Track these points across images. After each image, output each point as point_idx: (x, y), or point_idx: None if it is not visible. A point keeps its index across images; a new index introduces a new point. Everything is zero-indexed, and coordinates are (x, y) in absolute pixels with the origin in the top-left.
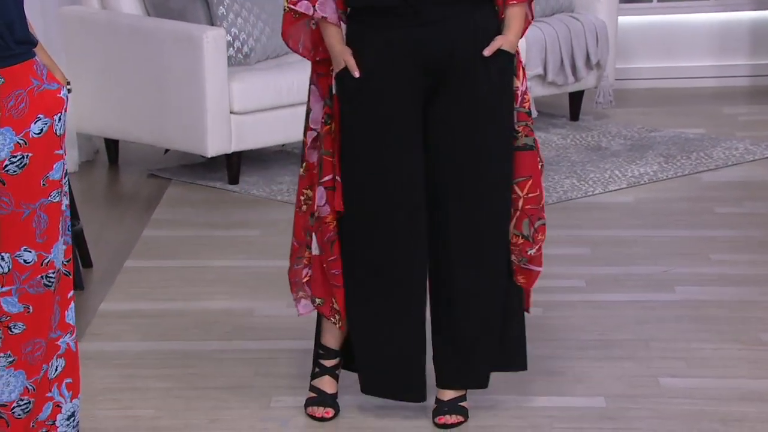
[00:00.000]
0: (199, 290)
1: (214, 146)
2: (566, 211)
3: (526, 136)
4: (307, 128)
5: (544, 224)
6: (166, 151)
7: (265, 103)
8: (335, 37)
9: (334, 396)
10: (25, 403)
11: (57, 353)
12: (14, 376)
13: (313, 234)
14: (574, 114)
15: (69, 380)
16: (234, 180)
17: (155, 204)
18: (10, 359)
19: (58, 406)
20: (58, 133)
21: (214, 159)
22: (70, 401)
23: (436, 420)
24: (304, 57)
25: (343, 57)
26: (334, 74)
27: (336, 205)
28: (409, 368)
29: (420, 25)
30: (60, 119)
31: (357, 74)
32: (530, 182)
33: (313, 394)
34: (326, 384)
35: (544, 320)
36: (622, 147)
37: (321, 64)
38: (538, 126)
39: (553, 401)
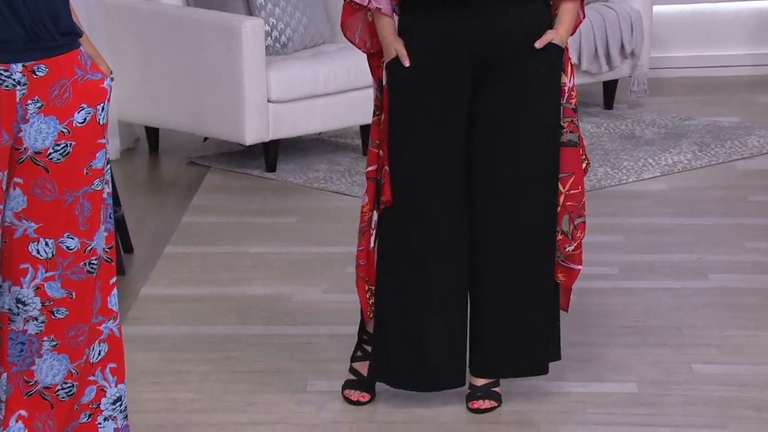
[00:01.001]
0: (238, 276)
1: (252, 134)
2: (600, 199)
3: (570, 132)
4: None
5: (584, 222)
6: (205, 139)
7: (302, 92)
8: (388, 28)
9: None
10: (69, 387)
11: (99, 338)
12: (58, 360)
13: None
14: (608, 103)
15: (113, 365)
16: (271, 168)
17: (194, 191)
18: (54, 343)
19: (102, 390)
20: (101, 123)
21: (251, 147)
22: (115, 386)
23: (470, 405)
24: (359, 49)
25: (394, 46)
26: (384, 65)
27: (385, 195)
28: (439, 359)
29: (471, 17)
30: (103, 109)
31: (407, 63)
32: (572, 179)
33: (353, 377)
34: (366, 368)
35: (577, 307)
36: (656, 135)
37: (375, 56)
38: None
39: (586, 387)
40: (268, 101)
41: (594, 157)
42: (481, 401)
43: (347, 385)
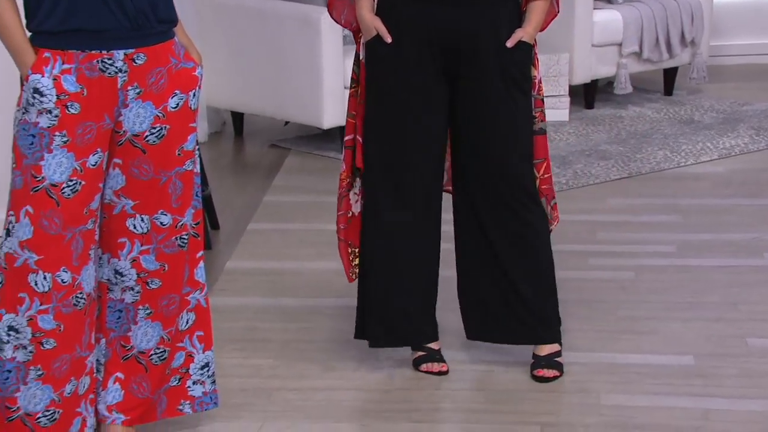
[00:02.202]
0: (315, 251)
1: (330, 119)
2: (659, 181)
3: (541, 121)
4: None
5: (556, 202)
6: (286, 123)
7: None
8: (366, 7)
9: (440, 352)
10: (161, 352)
11: (187, 308)
12: (152, 326)
13: None
14: (668, 89)
15: (200, 333)
16: None
17: (276, 172)
18: (148, 311)
19: (190, 356)
20: (192, 108)
21: (329, 130)
22: (203, 352)
23: (535, 373)
24: (345, 28)
25: (374, 24)
26: (363, 42)
27: (357, 162)
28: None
29: (451, 5)
30: (194, 95)
31: (389, 40)
32: (545, 164)
33: (422, 353)
34: (433, 342)
35: (635, 283)
36: (714, 120)
37: (359, 33)
38: (633, 100)
39: (644, 359)
40: (345, 87)
41: (653, 141)
42: (545, 370)
43: (421, 360)
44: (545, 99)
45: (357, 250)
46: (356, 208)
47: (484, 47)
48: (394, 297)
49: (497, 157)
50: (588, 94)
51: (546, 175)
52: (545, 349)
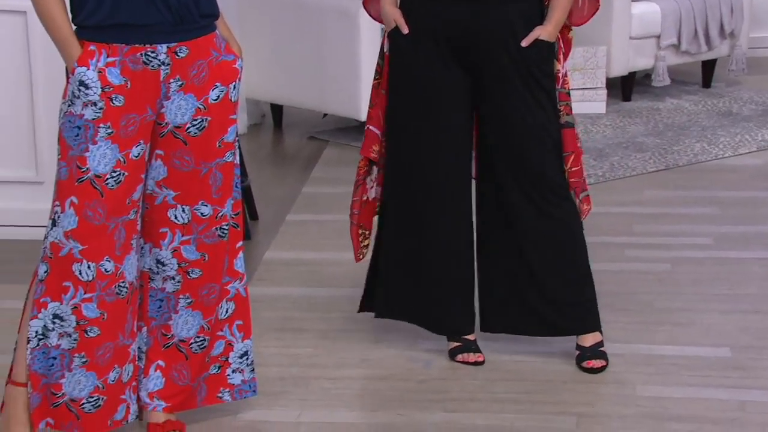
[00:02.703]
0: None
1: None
2: (696, 173)
3: (567, 114)
4: None
5: (588, 195)
6: (325, 115)
7: None
8: (388, 2)
9: (476, 342)
10: (201, 340)
11: (227, 297)
12: (192, 315)
13: None
14: (707, 81)
15: (240, 322)
16: None
17: (314, 163)
18: (189, 300)
19: (230, 345)
20: (232, 100)
21: None
22: (242, 341)
23: (584, 365)
24: (376, 20)
25: (393, 17)
26: (386, 34)
27: (362, 150)
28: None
29: (465, 1)
30: (234, 87)
31: (406, 30)
32: (573, 157)
33: (457, 344)
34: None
35: (672, 275)
36: (753, 112)
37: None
38: (670, 92)
39: (681, 351)
40: None
41: (691, 134)
42: (594, 361)
43: (457, 351)
44: (583, 91)
45: (368, 232)
46: (371, 194)
47: (499, 44)
48: (430, 288)
49: (519, 155)
50: (625, 87)
51: (575, 168)
52: (588, 339)
